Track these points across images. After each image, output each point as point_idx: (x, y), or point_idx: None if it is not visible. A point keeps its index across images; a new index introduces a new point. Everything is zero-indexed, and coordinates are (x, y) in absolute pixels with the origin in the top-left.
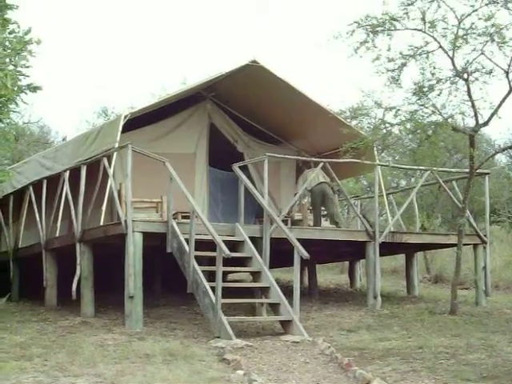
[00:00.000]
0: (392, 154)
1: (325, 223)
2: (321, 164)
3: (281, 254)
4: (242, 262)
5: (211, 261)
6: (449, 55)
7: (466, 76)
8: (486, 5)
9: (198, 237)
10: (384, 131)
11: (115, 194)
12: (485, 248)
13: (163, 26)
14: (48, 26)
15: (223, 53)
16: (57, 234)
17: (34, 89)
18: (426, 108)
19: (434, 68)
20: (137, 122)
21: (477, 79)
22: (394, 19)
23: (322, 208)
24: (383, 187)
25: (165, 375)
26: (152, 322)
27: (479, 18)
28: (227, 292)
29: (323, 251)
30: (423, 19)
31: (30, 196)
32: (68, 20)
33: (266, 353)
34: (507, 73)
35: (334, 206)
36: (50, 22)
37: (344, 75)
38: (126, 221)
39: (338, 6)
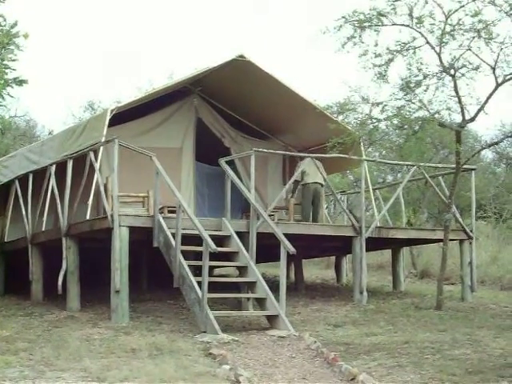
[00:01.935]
0: (379, 149)
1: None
2: (307, 159)
3: (267, 249)
4: (229, 256)
5: (198, 255)
6: (436, 51)
7: (452, 72)
8: (473, 1)
9: (185, 231)
10: (371, 126)
11: (102, 189)
12: (471, 243)
13: (151, 20)
14: (34, 19)
15: (211, 48)
16: (43, 229)
17: (20, 82)
18: (413, 103)
19: (421, 64)
20: (123, 116)
21: (463, 75)
22: (382, 15)
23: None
24: (370, 182)
25: (151, 370)
26: (138, 317)
27: (466, 14)
28: (213, 287)
29: (310, 246)
30: (410, 15)
31: (16, 190)
32: (55, 12)
33: (252, 347)
34: (494, 69)
35: (320, 209)
36: (37, 14)
37: (332, 70)
38: (112, 215)
39: (329, 1)
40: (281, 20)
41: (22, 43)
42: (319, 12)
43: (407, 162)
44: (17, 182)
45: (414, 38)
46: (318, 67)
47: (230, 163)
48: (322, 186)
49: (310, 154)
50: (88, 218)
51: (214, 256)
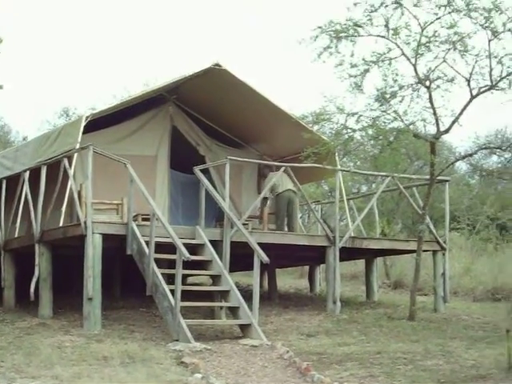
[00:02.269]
0: (353, 159)
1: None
2: (283, 168)
3: (241, 258)
4: (202, 265)
5: (171, 263)
6: (411, 62)
7: (427, 83)
8: (449, 13)
9: (158, 239)
10: (346, 137)
11: (75, 195)
12: (444, 254)
13: (128, 27)
14: (9, 23)
15: (187, 56)
16: (16, 235)
17: None
18: (388, 114)
19: (397, 75)
20: (98, 123)
21: (438, 87)
22: (358, 25)
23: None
24: (344, 192)
25: (122, 378)
26: (110, 324)
27: (442, 26)
28: (186, 295)
29: (283, 255)
30: (386, 26)
31: None
32: (28, 17)
33: (225, 356)
34: (469, 81)
35: (296, 216)
36: (13, 19)
37: (308, 80)
38: (85, 222)
39: (306, 10)
40: (257, 29)
41: None
42: (295, 22)
43: (382, 173)
44: None
45: (390, 49)
46: (293, 77)
47: (205, 171)
48: (295, 193)
49: (285, 163)
50: (61, 224)
51: (188, 264)
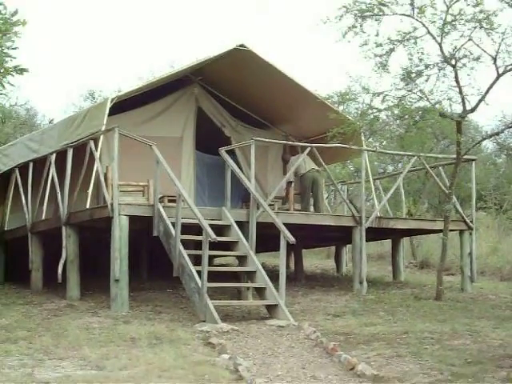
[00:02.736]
0: (379, 139)
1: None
2: (307, 150)
3: (267, 239)
4: (229, 246)
5: (197, 245)
6: (437, 41)
7: (453, 62)
8: None
9: (185, 221)
10: (371, 116)
11: (101, 177)
12: (471, 234)
13: (154, 9)
14: (35, 7)
15: (213, 38)
16: (43, 217)
17: (20, 71)
18: (414, 94)
19: (422, 54)
20: (124, 105)
21: (464, 65)
22: (383, 4)
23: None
24: (370, 172)
25: (150, 358)
26: (138, 306)
27: (468, 4)
28: (213, 276)
29: (310, 236)
30: (412, 4)
31: (16, 179)
32: (55, 1)
33: (252, 337)
34: (495, 59)
35: (321, 196)
36: (37, 3)
37: (332, 59)
38: (112, 204)
39: None
40: (282, 10)
41: (20, 31)
42: (319, 1)
43: (408, 153)
44: (17, 171)
45: (415, 28)
46: (318, 57)
47: (231, 153)
48: (318, 172)
49: (310, 144)
50: (88, 206)
51: (214, 245)
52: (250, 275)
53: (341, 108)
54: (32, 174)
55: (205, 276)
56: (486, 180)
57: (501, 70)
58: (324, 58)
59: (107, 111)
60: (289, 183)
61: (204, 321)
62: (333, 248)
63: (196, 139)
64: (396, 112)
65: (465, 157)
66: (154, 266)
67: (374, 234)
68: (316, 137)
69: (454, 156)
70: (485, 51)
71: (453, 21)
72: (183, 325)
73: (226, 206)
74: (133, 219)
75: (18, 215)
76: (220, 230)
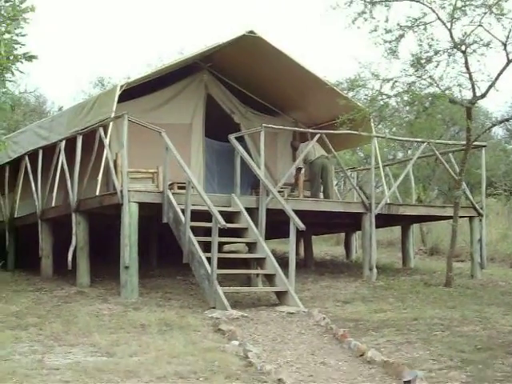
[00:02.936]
0: (389, 125)
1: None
2: (317, 136)
3: (277, 225)
4: (238, 232)
5: (207, 231)
6: (447, 27)
7: (463, 48)
8: None
9: (194, 207)
10: (381, 103)
11: (111, 164)
12: (481, 221)
13: None
14: None
15: (222, 24)
16: (53, 204)
17: (29, 58)
18: (424, 80)
19: (432, 40)
20: (133, 92)
21: (474, 51)
22: None
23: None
24: (380, 159)
25: (160, 345)
26: (147, 293)
27: None
28: (223, 263)
29: (319, 223)
30: None
31: (26, 166)
32: None
33: (261, 323)
34: (505, 45)
35: (331, 182)
36: None
37: (341, 46)
38: (121, 191)
39: None
40: None
41: (29, 17)
42: None
43: (417, 139)
44: (27, 158)
45: (425, 14)
46: (328, 43)
47: (240, 139)
48: (328, 159)
49: (320, 131)
50: (98, 193)
51: (224, 232)
52: (260, 262)
53: (350, 94)
54: (42, 161)
55: (214, 263)
56: (496, 166)
57: (511, 56)
58: (334, 44)
59: (116, 98)
60: (298, 169)
61: (214, 307)
62: (342, 235)
63: (205, 126)
64: (406, 98)
65: (475, 143)
66: (163, 252)
67: (383, 221)
68: (325, 123)
69: (464, 142)
70: (495, 37)
71: (463, 6)
72: (193, 311)
73: (235, 193)
74: (142, 206)
75: (28, 202)
76: (229, 216)
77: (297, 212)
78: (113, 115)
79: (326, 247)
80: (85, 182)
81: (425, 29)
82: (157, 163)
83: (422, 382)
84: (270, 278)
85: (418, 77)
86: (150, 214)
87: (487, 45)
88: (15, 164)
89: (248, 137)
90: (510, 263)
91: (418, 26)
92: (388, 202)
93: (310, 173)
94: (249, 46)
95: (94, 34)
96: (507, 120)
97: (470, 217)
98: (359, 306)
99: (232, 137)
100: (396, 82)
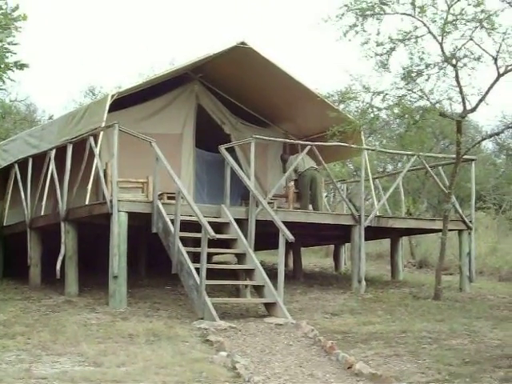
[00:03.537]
0: (379, 138)
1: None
2: (307, 148)
3: (266, 237)
4: (227, 243)
5: (196, 242)
6: (438, 40)
7: (454, 62)
8: None
9: (184, 218)
10: (371, 115)
11: (101, 174)
12: (470, 234)
13: (154, 6)
14: (36, 2)
15: (213, 35)
16: (42, 213)
17: (20, 66)
18: (414, 93)
19: (423, 53)
20: (124, 101)
21: (465, 65)
22: (384, 3)
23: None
24: (369, 171)
25: (148, 355)
26: (136, 302)
27: (469, 4)
28: (212, 273)
29: (309, 234)
30: (413, 4)
31: (16, 174)
32: None
33: (250, 335)
34: (495, 59)
35: (320, 194)
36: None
37: (332, 58)
38: (111, 200)
39: None
40: (283, 7)
41: (21, 26)
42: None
43: (407, 152)
44: (16, 166)
45: (416, 28)
46: (319, 55)
47: (230, 150)
48: (317, 171)
49: (310, 142)
50: (87, 203)
51: (213, 243)
52: (249, 273)
53: (341, 107)
54: (31, 170)
55: (203, 273)
56: (486, 180)
57: (501, 70)
58: (325, 56)
59: (107, 107)
60: (294, 181)
61: (202, 318)
62: (331, 247)
63: (196, 136)
64: (396, 111)
65: (464, 157)
66: (152, 262)
67: (372, 233)
68: (316, 135)
69: (454, 156)
70: (486, 51)
71: (454, 20)
72: (181, 322)
73: (225, 204)
74: (132, 216)
75: (17, 211)
76: (219, 227)
77: (286, 223)
78: (103, 124)
79: (315, 259)
80: (74, 191)
81: (416, 42)
82: (147, 173)
83: None
84: (258, 290)
85: (408, 90)
86: (140, 223)
87: (478, 59)
88: (5, 172)
89: (238, 148)
90: (498, 277)
91: (409, 39)
92: (377, 214)
93: (299, 184)
94: (240, 58)
95: (85, 43)
96: (497, 134)
97: (459, 230)
98: (348, 318)
99: (222, 147)
100: (387, 94)
